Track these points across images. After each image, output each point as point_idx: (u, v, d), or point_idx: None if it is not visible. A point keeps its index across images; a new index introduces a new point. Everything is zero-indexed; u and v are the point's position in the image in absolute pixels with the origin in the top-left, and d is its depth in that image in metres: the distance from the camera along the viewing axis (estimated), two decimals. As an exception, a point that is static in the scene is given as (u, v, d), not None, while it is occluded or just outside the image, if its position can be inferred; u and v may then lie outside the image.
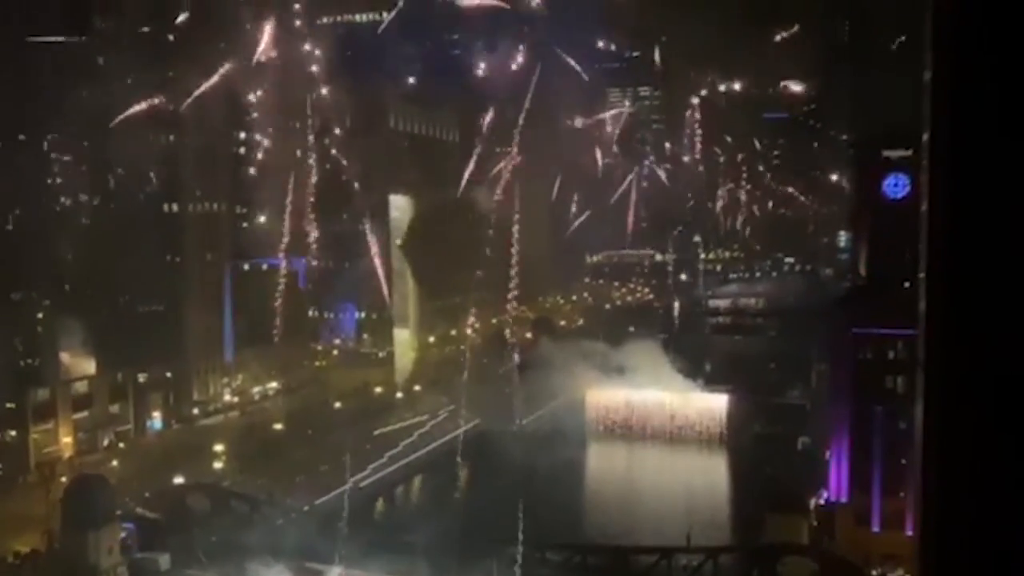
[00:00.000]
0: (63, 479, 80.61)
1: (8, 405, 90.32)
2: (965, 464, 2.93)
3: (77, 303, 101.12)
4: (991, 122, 3.07)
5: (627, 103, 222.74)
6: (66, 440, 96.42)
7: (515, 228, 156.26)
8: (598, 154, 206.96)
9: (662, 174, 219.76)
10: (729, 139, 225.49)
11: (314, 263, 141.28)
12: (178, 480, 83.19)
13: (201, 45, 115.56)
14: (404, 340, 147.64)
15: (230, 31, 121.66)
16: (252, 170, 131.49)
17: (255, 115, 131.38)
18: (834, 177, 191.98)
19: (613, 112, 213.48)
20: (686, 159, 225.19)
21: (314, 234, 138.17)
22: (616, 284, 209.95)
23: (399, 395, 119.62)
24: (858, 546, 68.29)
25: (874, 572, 64.68)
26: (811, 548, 70.38)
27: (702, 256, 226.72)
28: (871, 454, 73.38)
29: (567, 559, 64.99)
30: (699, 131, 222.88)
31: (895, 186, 74.77)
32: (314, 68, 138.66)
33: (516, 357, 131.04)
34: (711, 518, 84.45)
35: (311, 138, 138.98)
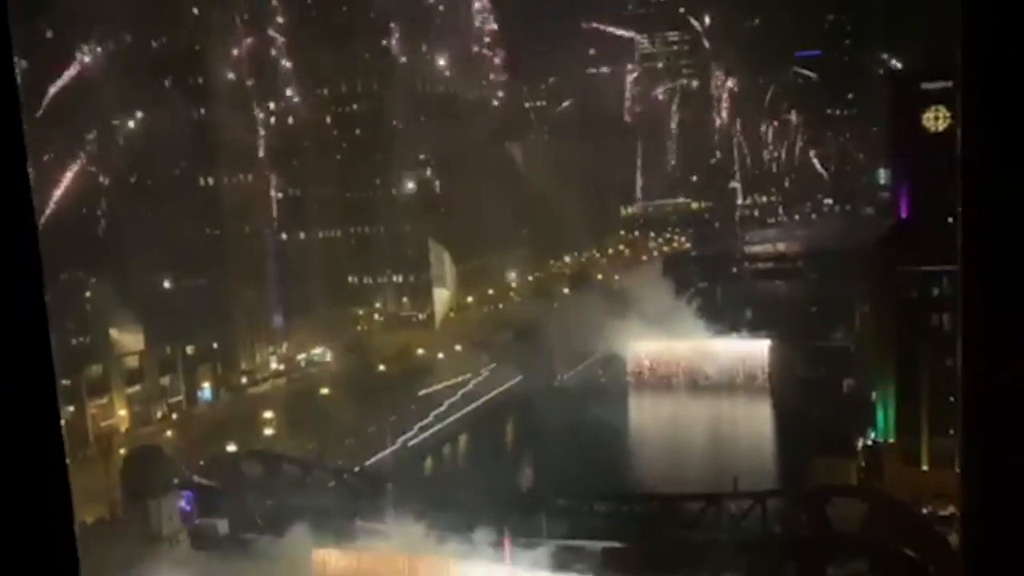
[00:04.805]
0: (121, 451, 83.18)
1: (64, 382, 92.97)
2: (1009, 398, 2.89)
3: (121, 280, 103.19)
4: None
5: (655, 49, 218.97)
6: (121, 414, 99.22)
7: (548, 182, 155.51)
8: (629, 103, 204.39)
9: (694, 120, 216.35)
10: (762, 80, 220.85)
11: (351, 229, 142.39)
12: (231, 448, 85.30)
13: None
14: (443, 300, 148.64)
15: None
16: (282, 140, 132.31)
17: (278, 83, 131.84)
18: (872, 114, 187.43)
19: (641, 61, 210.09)
20: (720, 104, 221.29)
21: (348, 200, 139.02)
22: (652, 235, 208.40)
23: (440, 356, 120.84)
24: (907, 486, 67.97)
25: (924, 510, 64.39)
26: (860, 489, 70.25)
27: (739, 202, 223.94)
28: (918, 393, 72.70)
29: (614, 509, 65.59)
30: (731, 77, 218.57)
31: (935, 119, 72.84)
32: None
33: (555, 313, 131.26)
34: (757, 464, 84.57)
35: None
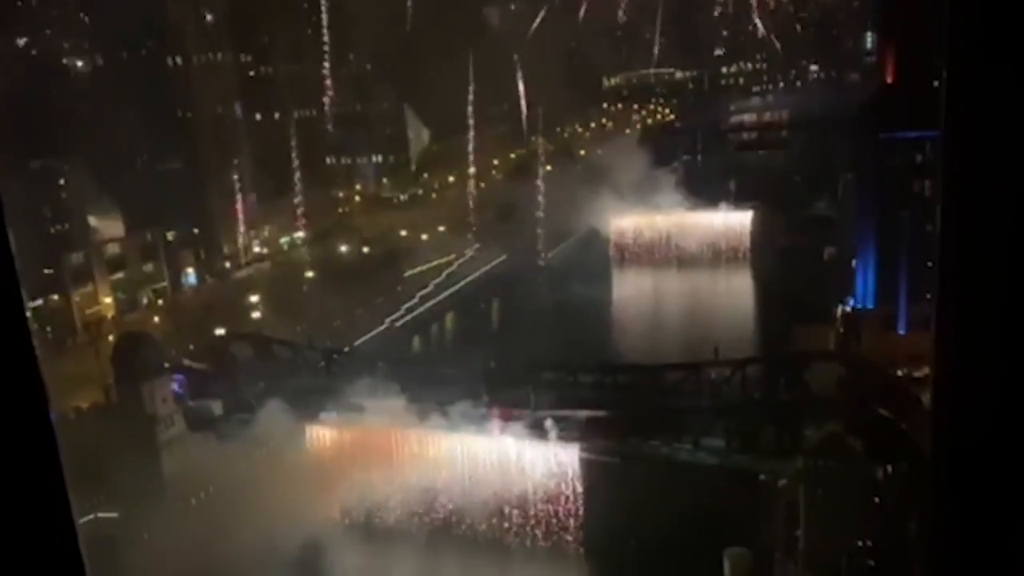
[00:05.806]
0: (110, 337, 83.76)
1: (46, 271, 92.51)
2: (985, 263, 2.88)
3: (95, 166, 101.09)
4: None
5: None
6: (106, 301, 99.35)
7: (527, 53, 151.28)
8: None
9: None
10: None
11: (326, 109, 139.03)
12: (220, 331, 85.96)
13: None
14: (424, 181, 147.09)
15: None
16: (250, 15, 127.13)
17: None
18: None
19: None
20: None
21: (321, 78, 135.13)
22: (636, 107, 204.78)
23: (424, 237, 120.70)
24: (884, 349, 69.86)
25: (899, 372, 66.37)
26: (836, 353, 72.18)
27: (724, 70, 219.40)
28: (898, 259, 73.73)
29: (598, 379, 67.22)
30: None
31: (925, -22, 70.52)
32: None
33: (537, 190, 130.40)
34: (739, 333, 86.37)
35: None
